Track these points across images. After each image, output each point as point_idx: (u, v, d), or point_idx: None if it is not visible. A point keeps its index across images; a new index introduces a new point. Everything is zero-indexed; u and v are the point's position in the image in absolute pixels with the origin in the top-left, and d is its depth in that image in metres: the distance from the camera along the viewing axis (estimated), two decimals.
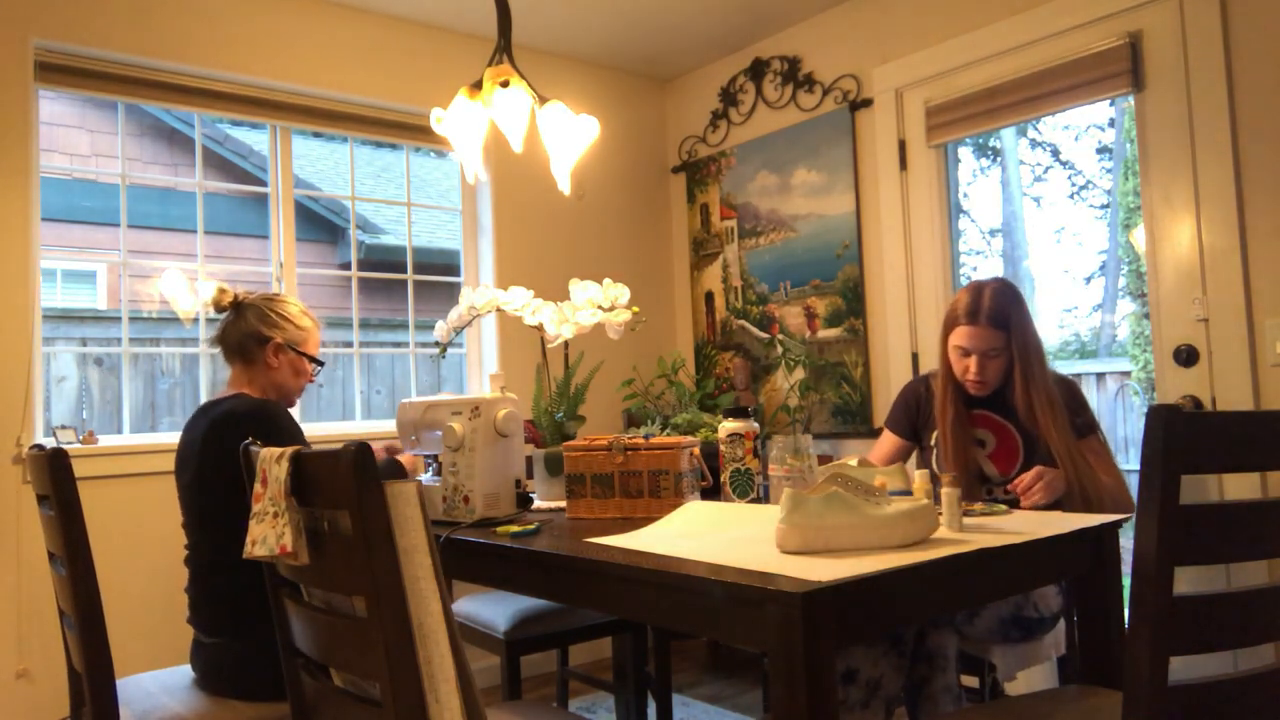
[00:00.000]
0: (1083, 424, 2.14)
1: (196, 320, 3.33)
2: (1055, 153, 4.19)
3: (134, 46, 3.02)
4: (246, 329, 2.01)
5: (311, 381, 2.12)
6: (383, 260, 5.92)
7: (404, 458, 2.25)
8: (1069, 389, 2.19)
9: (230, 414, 1.84)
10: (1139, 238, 3.04)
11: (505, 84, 2.24)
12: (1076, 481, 2.02)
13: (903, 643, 1.90)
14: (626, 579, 1.43)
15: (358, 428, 3.60)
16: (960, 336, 2.13)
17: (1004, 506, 1.86)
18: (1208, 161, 2.62)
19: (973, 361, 2.12)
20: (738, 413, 1.98)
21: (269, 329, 2.01)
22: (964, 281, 3.42)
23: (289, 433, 1.85)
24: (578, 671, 3.04)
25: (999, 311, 2.10)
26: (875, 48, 3.50)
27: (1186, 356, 2.65)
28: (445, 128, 2.32)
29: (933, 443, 2.25)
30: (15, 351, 2.76)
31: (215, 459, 1.81)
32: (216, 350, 2.08)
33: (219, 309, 2.06)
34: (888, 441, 2.37)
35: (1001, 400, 2.18)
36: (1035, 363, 2.12)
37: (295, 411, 2.18)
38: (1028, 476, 1.97)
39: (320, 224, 6.46)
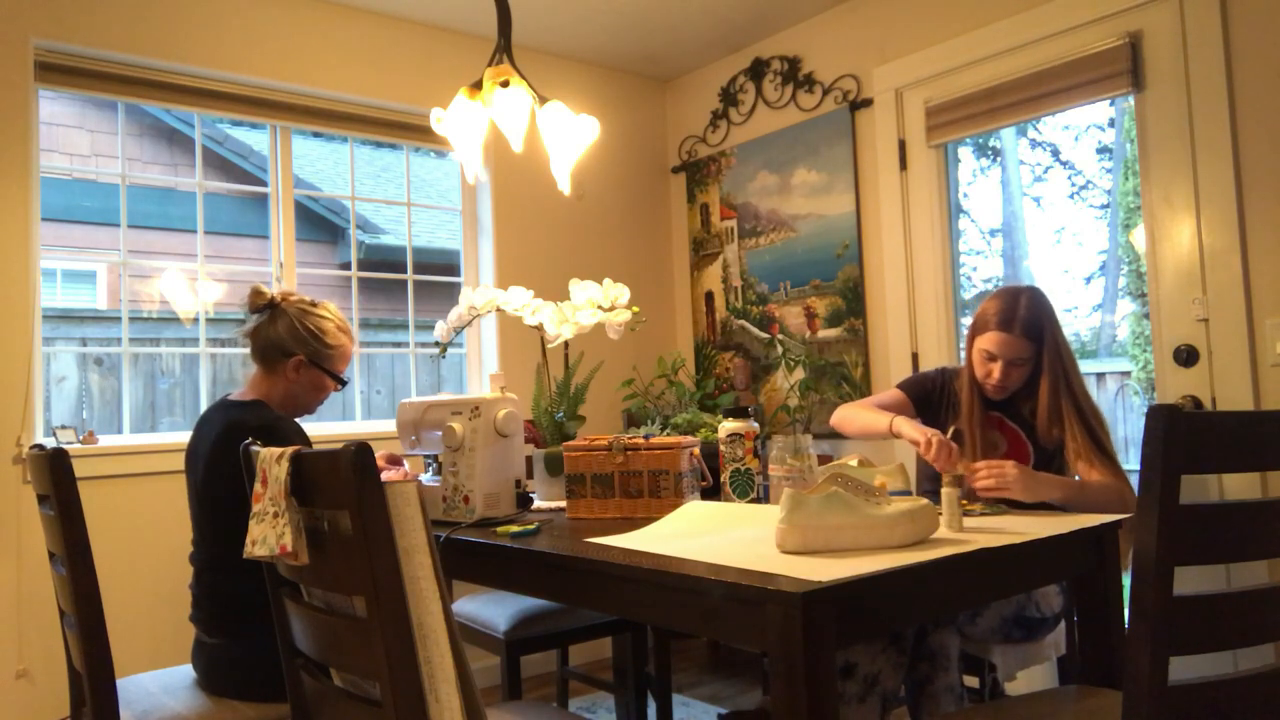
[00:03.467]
0: (1102, 433, 2.12)
1: (196, 320, 3.33)
2: (1055, 153, 4.19)
3: (134, 46, 3.02)
4: (274, 337, 1.97)
5: (338, 390, 2.08)
6: (383, 260, 5.91)
7: (392, 475, 2.21)
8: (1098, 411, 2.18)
9: (241, 425, 1.81)
10: (1139, 238, 3.04)
11: (505, 84, 2.24)
12: (1072, 483, 2.00)
13: (902, 640, 1.90)
14: (626, 579, 1.43)
15: (358, 428, 3.60)
16: (989, 341, 2.12)
17: (1004, 506, 1.86)
18: (1208, 161, 2.62)
19: (997, 367, 2.12)
20: (738, 413, 1.98)
21: (295, 344, 1.96)
22: (964, 281, 3.42)
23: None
24: (578, 671, 3.04)
25: (1033, 322, 2.09)
26: (875, 48, 3.50)
27: (1186, 356, 2.65)
28: (445, 128, 2.32)
29: (950, 437, 2.25)
30: (15, 351, 2.76)
31: (220, 465, 1.81)
32: (244, 345, 2.02)
33: (253, 310, 2.00)
34: (893, 395, 2.33)
35: (1016, 408, 2.19)
36: (1070, 376, 2.11)
37: None
38: (1009, 465, 1.88)
39: (320, 224, 6.46)
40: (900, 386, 2.37)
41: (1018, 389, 2.17)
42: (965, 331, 2.34)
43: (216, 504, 1.84)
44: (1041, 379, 2.11)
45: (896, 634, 1.89)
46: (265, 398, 1.97)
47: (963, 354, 2.27)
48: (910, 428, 2.06)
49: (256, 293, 2.01)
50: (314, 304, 2.05)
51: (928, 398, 2.33)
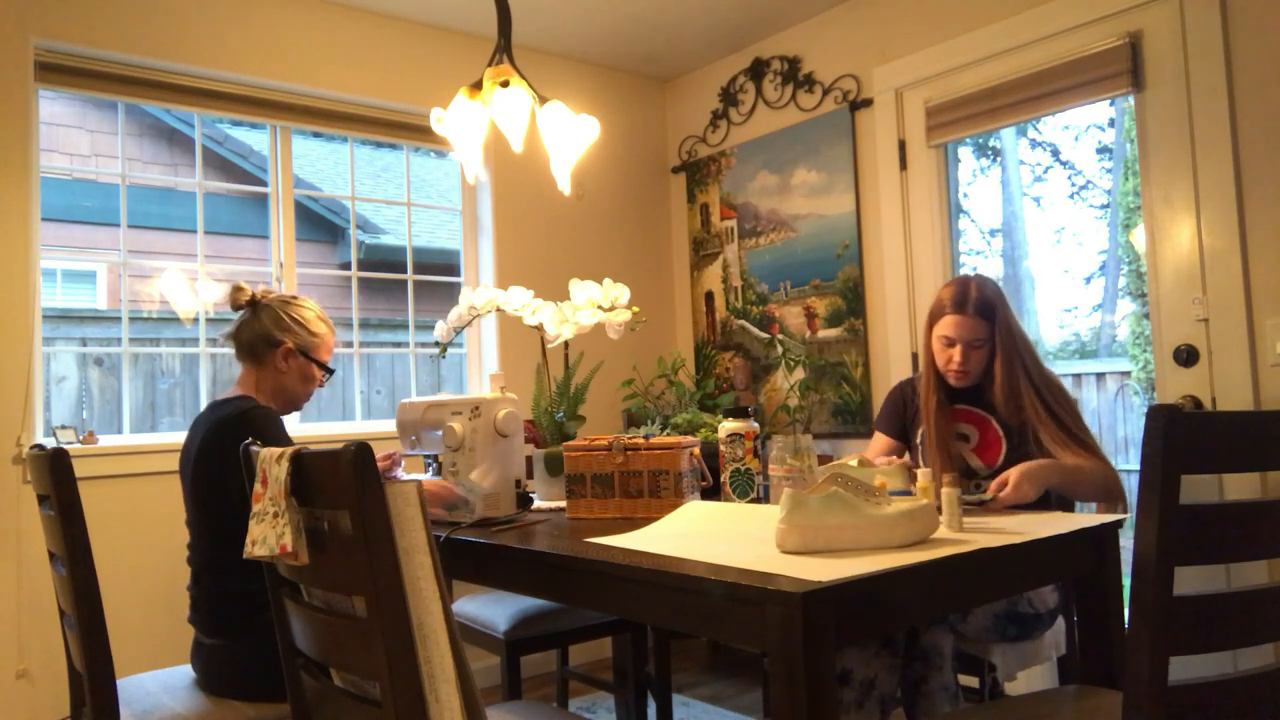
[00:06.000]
0: (1067, 414, 2.14)
1: (196, 320, 3.33)
2: (1055, 153, 4.19)
3: (134, 46, 3.02)
4: (259, 330, 2.00)
5: (322, 385, 2.10)
6: (383, 260, 5.92)
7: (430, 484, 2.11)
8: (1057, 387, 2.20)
9: (220, 419, 1.85)
10: (1139, 238, 3.04)
11: (505, 84, 2.23)
12: (1065, 466, 2.02)
13: (894, 642, 1.91)
14: (626, 579, 1.43)
15: (358, 428, 3.59)
16: (946, 326, 2.16)
17: (992, 495, 1.90)
18: (1208, 161, 2.62)
19: (957, 351, 2.16)
20: (738, 413, 1.98)
21: (281, 333, 1.99)
22: None
23: (271, 438, 1.80)
24: (578, 671, 3.04)
25: (985, 302, 2.15)
26: (875, 48, 3.50)
27: (1186, 356, 2.65)
28: (445, 128, 2.32)
29: (919, 440, 2.27)
30: (15, 351, 2.76)
31: (206, 463, 1.83)
32: (229, 347, 2.06)
33: (235, 307, 2.04)
34: (879, 442, 2.39)
35: (982, 395, 2.21)
36: (1023, 353, 2.16)
37: (295, 413, 2.17)
38: (1011, 474, 1.92)
39: (320, 224, 6.46)
40: (877, 428, 2.43)
41: (980, 376, 2.19)
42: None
43: (207, 502, 1.85)
44: (997, 358, 2.15)
45: (888, 636, 1.89)
46: (253, 393, 1.98)
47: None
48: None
49: (237, 289, 2.04)
50: (293, 297, 2.09)
51: (900, 418, 2.37)
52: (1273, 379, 2.51)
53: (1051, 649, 2.11)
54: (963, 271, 3.42)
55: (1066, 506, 2.11)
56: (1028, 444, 2.14)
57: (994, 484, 1.96)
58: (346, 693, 1.33)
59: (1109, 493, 2.05)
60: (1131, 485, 2.00)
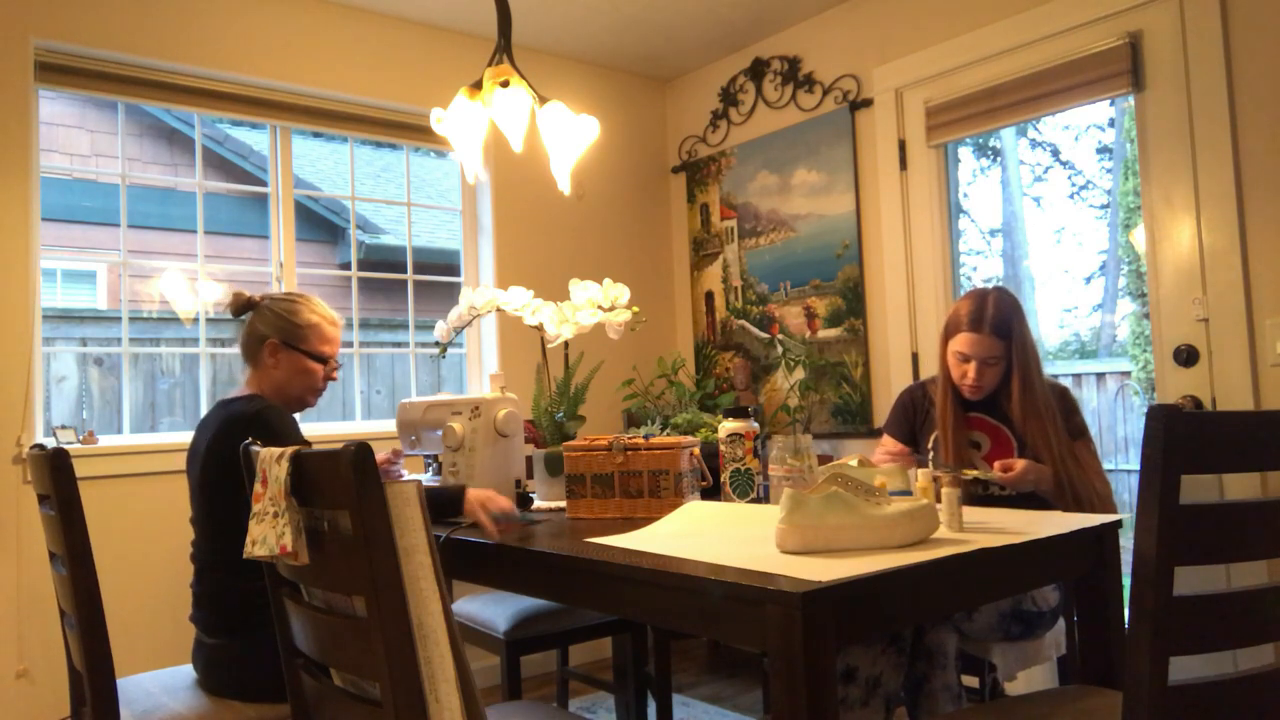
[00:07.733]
0: (1074, 429, 2.19)
1: (196, 320, 3.33)
2: (1055, 153, 4.19)
3: (134, 46, 3.02)
4: (250, 330, 2.00)
5: (334, 379, 2.05)
6: (383, 260, 5.91)
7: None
8: (1062, 395, 2.23)
9: (233, 416, 1.84)
10: (1139, 238, 3.04)
11: (505, 84, 2.24)
12: (1068, 483, 2.08)
13: (901, 639, 1.91)
14: (626, 579, 1.43)
15: (358, 428, 3.59)
16: (962, 343, 2.16)
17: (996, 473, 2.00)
18: (1208, 161, 2.62)
19: (972, 367, 2.16)
20: (738, 413, 1.98)
21: (267, 329, 1.99)
22: (964, 282, 3.42)
23: (285, 437, 1.81)
24: (578, 671, 3.04)
25: (1002, 321, 2.15)
26: (875, 48, 3.50)
27: (1186, 356, 2.65)
28: (445, 128, 2.32)
29: (930, 445, 2.27)
30: (15, 351, 2.76)
31: (214, 461, 1.82)
32: (235, 350, 2.07)
33: (235, 312, 2.04)
34: (887, 446, 2.40)
35: (996, 404, 2.21)
36: (1034, 370, 2.18)
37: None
38: (1018, 462, 2.06)
39: (320, 224, 6.45)
40: (886, 432, 2.44)
41: (995, 387, 2.20)
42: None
43: (214, 501, 1.84)
44: (1013, 375, 2.17)
45: (895, 634, 1.90)
46: (259, 392, 1.98)
47: None
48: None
49: (235, 294, 2.04)
50: (287, 295, 2.07)
51: (910, 423, 2.39)
52: (1273, 379, 2.51)
53: (1052, 649, 2.11)
54: (964, 272, 3.42)
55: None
56: (1038, 454, 2.16)
57: (999, 465, 2.06)
58: (346, 693, 1.33)
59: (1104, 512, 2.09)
60: (1132, 485, 2.01)
